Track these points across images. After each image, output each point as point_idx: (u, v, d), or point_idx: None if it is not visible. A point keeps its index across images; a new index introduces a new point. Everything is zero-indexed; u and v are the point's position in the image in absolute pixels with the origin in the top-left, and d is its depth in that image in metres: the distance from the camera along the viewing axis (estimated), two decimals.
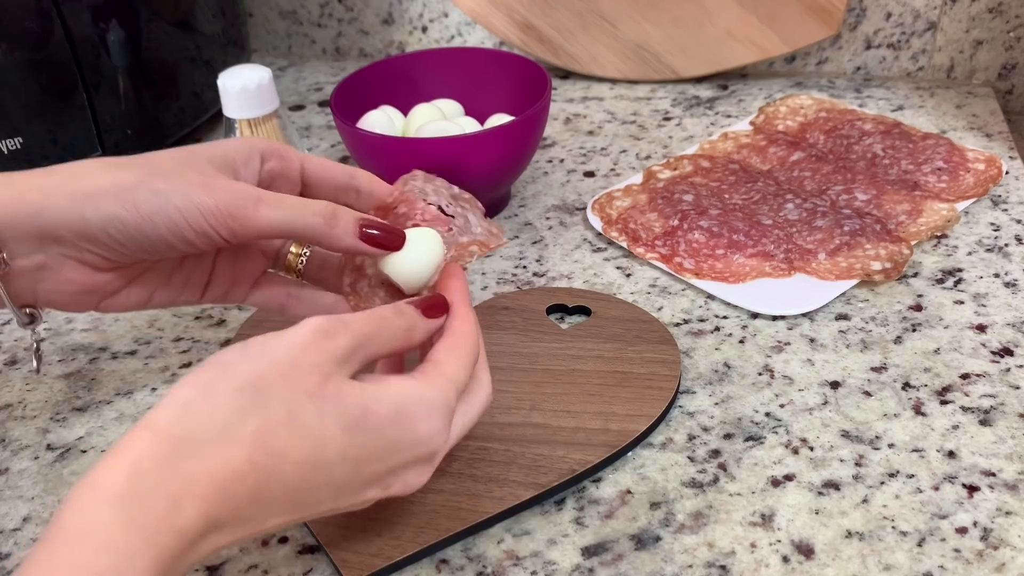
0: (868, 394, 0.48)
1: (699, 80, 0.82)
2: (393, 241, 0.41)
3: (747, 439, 0.46)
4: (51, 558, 0.28)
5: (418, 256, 0.42)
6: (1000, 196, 0.63)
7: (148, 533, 0.29)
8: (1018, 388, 0.48)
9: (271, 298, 0.47)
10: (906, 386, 0.48)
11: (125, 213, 0.39)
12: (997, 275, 0.56)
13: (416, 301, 0.40)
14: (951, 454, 0.44)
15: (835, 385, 0.49)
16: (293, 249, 0.47)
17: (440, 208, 0.44)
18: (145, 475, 0.30)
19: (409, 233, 0.42)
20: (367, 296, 0.44)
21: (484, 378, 0.40)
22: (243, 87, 0.61)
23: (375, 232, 0.41)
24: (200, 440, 0.31)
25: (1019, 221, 0.61)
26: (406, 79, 0.68)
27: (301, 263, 0.47)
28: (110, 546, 0.28)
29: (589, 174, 0.70)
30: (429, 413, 0.36)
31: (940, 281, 0.56)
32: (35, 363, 0.47)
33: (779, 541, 0.41)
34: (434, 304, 0.40)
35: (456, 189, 0.47)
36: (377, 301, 0.43)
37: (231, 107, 0.62)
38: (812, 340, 0.52)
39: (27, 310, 0.43)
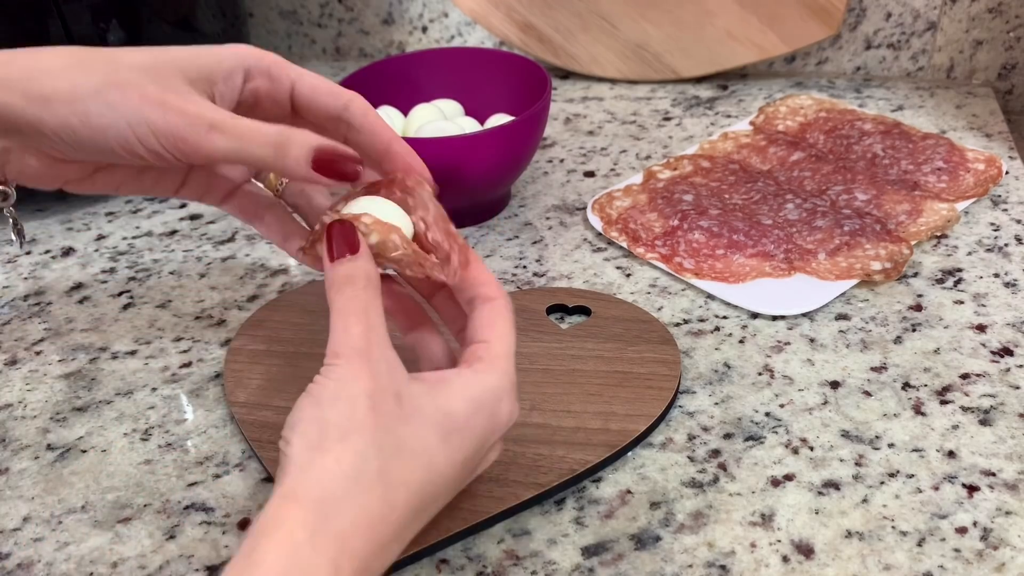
0: (868, 394, 0.48)
1: (699, 80, 0.82)
2: (348, 167, 0.39)
3: (747, 439, 0.46)
4: None
5: (384, 215, 0.39)
6: (1000, 196, 0.63)
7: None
8: (1018, 388, 0.48)
9: (243, 210, 0.46)
10: (906, 386, 0.48)
11: (76, 122, 0.37)
12: (997, 275, 0.56)
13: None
14: (951, 454, 0.44)
15: (835, 385, 0.49)
16: (272, 177, 0.47)
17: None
18: (303, 547, 0.31)
19: (378, 199, 0.40)
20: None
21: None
22: None
23: (328, 159, 0.38)
24: (337, 498, 0.32)
25: (1019, 221, 0.61)
26: (406, 79, 0.68)
27: (281, 184, 0.46)
28: None
29: (589, 174, 0.70)
30: (501, 400, 0.38)
31: (940, 281, 0.56)
32: (15, 238, 0.45)
33: (779, 541, 0.41)
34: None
35: (451, 228, 0.42)
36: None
37: None
38: (812, 340, 0.52)
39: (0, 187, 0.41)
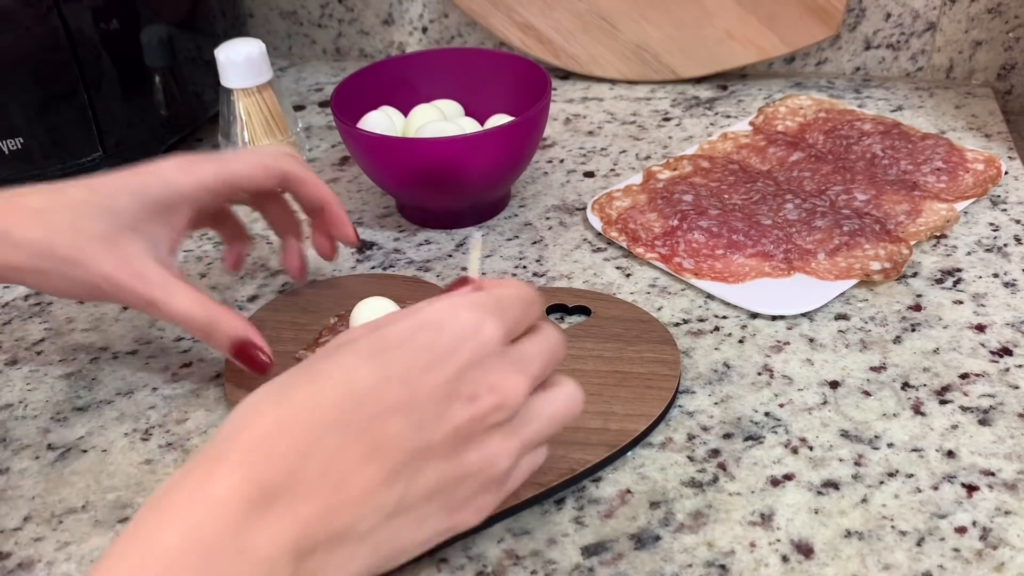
0: (867, 394, 0.48)
1: (699, 80, 0.82)
2: (258, 360, 0.47)
3: (747, 439, 0.46)
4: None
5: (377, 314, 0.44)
6: (999, 196, 0.63)
7: (176, 507, 0.28)
8: (1017, 388, 0.48)
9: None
10: (905, 386, 0.48)
11: (44, 287, 0.45)
12: (996, 275, 0.56)
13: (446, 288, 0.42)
14: (950, 454, 0.44)
15: (834, 385, 0.49)
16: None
17: None
18: (179, 472, 0.30)
19: (365, 302, 0.49)
20: None
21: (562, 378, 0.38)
22: (238, 59, 0.66)
23: (243, 350, 0.46)
24: (224, 429, 0.31)
25: (1018, 221, 0.61)
26: (406, 79, 0.68)
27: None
28: (137, 524, 0.28)
29: (589, 174, 0.70)
30: (455, 311, 0.33)
31: (939, 281, 0.56)
32: None
33: (778, 540, 0.41)
34: (458, 282, 0.38)
35: None
36: None
37: (228, 78, 0.67)
38: (811, 340, 0.52)
39: None
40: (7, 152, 0.64)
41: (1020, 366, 0.49)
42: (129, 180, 0.45)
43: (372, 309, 0.50)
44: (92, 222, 0.44)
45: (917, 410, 0.47)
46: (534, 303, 0.37)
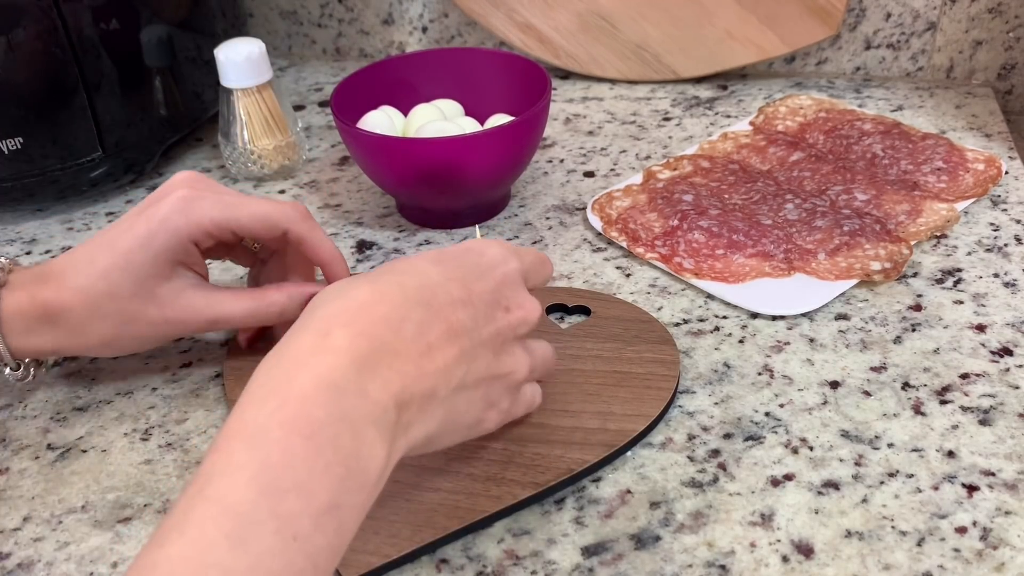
0: (868, 394, 0.48)
1: (699, 80, 0.82)
2: None
3: (747, 439, 0.46)
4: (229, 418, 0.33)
5: None
6: (999, 196, 0.63)
7: (302, 359, 0.33)
8: (1017, 388, 0.48)
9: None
10: (906, 386, 0.48)
11: (122, 352, 0.50)
12: (996, 275, 0.56)
13: None
14: (951, 454, 0.44)
15: (835, 385, 0.49)
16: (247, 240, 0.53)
17: None
18: (288, 337, 0.35)
19: None
20: None
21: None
22: (238, 58, 0.66)
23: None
24: (323, 301, 0.36)
25: (1018, 221, 0.61)
26: (406, 79, 0.68)
27: (256, 248, 0.54)
28: (268, 379, 0.33)
29: (589, 174, 0.70)
30: (488, 244, 0.42)
31: (940, 281, 0.56)
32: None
33: (779, 541, 0.41)
34: None
35: None
36: None
37: (228, 78, 0.67)
38: (812, 340, 0.52)
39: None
40: (7, 152, 0.64)
41: (1020, 366, 0.49)
42: (137, 230, 0.46)
43: None
44: (123, 287, 0.46)
45: (917, 410, 0.47)
46: (545, 263, 0.45)
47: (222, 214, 0.47)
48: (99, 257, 0.47)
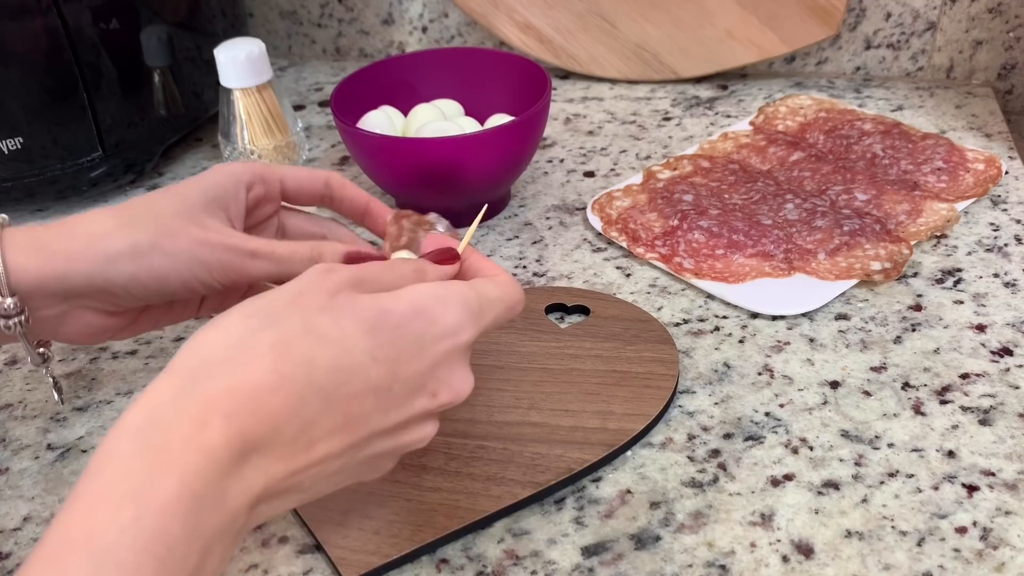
0: (868, 394, 0.48)
1: (699, 80, 0.82)
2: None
3: (747, 439, 0.46)
4: (74, 493, 0.28)
5: None
6: (1000, 196, 0.63)
7: (171, 455, 0.29)
8: (1018, 388, 0.48)
9: (258, 289, 0.50)
10: (906, 386, 0.48)
11: (143, 274, 0.42)
12: (997, 275, 0.56)
13: (427, 255, 0.42)
14: (951, 454, 0.44)
15: (835, 385, 0.49)
16: None
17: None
18: (164, 406, 0.30)
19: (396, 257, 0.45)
20: None
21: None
22: (238, 58, 0.66)
23: (354, 260, 0.43)
24: (215, 363, 0.31)
25: (1019, 221, 0.61)
26: (406, 79, 0.68)
27: None
28: (129, 472, 0.28)
29: (589, 174, 0.70)
30: (446, 306, 0.36)
31: (940, 281, 0.56)
32: (56, 396, 0.49)
33: (779, 541, 0.41)
34: (444, 256, 0.41)
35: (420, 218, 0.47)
36: None
37: (228, 78, 0.67)
38: (812, 340, 0.52)
39: (40, 349, 0.45)
40: (7, 152, 0.64)
41: (1020, 366, 0.49)
42: (191, 179, 0.45)
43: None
44: (165, 206, 0.43)
45: (917, 410, 0.47)
46: (516, 306, 0.40)
47: (272, 166, 0.48)
48: (140, 199, 0.44)
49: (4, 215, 0.43)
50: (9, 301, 0.41)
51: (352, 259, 0.44)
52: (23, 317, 0.42)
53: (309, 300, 0.34)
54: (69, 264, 0.41)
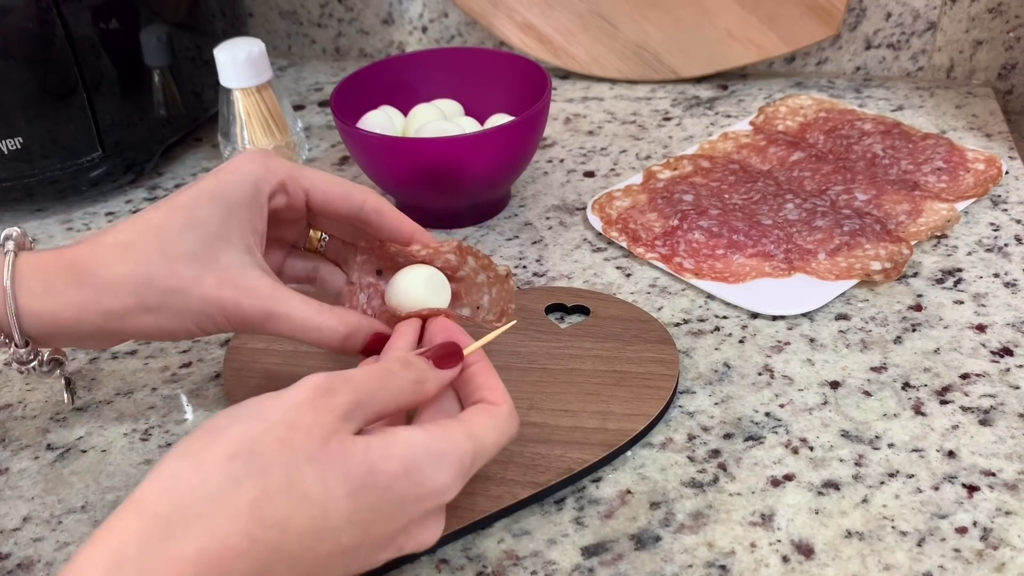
0: (868, 394, 0.48)
1: (699, 80, 0.82)
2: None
3: (747, 439, 0.46)
4: None
5: (413, 288, 0.43)
6: (1000, 196, 0.63)
7: None
8: (1018, 388, 0.48)
9: (296, 276, 0.48)
10: (906, 386, 0.48)
11: (151, 329, 0.41)
12: (997, 275, 0.56)
13: (428, 351, 0.38)
14: (951, 454, 0.44)
15: (835, 385, 0.49)
16: (312, 234, 0.48)
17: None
18: (128, 563, 0.28)
19: (414, 268, 0.44)
20: (360, 294, 0.46)
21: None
22: (238, 58, 0.66)
23: (375, 348, 0.42)
24: (188, 517, 0.29)
25: (1019, 221, 0.61)
26: (406, 79, 0.68)
27: (322, 246, 0.48)
28: None
29: (589, 174, 0.70)
30: (439, 466, 0.34)
31: (940, 281, 0.56)
32: (67, 396, 0.48)
33: (779, 541, 0.41)
34: (446, 353, 0.38)
35: (487, 262, 0.46)
36: (363, 299, 0.45)
37: (228, 78, 0.67)
38: (812, 340, 0.52)
39: (54, 356, 0.44)
40: (7, 152, 0.64)
41: (1021, 366, 0.49)
42: (206, 186, 0.41)
43: (410, 283, 0.44)
44: (180, 243, 0.40)
45: (918, 410, 0.47)
46: (508, 442, 0.38)
47: (299, 171, 0.43)
48: (153, 213, 0.41)
49: (18, 228, 0.42)
50: (23, 351, 0.41)
51: (376, 342, 0.42)
52: (37, 362, 0.42)
53: (300, 442, 0.31)
54: (80, 315, 0.40)
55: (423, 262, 0.45)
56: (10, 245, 0.41)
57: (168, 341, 0.44)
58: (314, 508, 0.31)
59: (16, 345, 0.41)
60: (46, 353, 0.43)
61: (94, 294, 0.40)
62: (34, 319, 0.40)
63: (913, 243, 0.58)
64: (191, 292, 0.40)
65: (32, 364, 0.42)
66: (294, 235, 0.47)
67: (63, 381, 0.48)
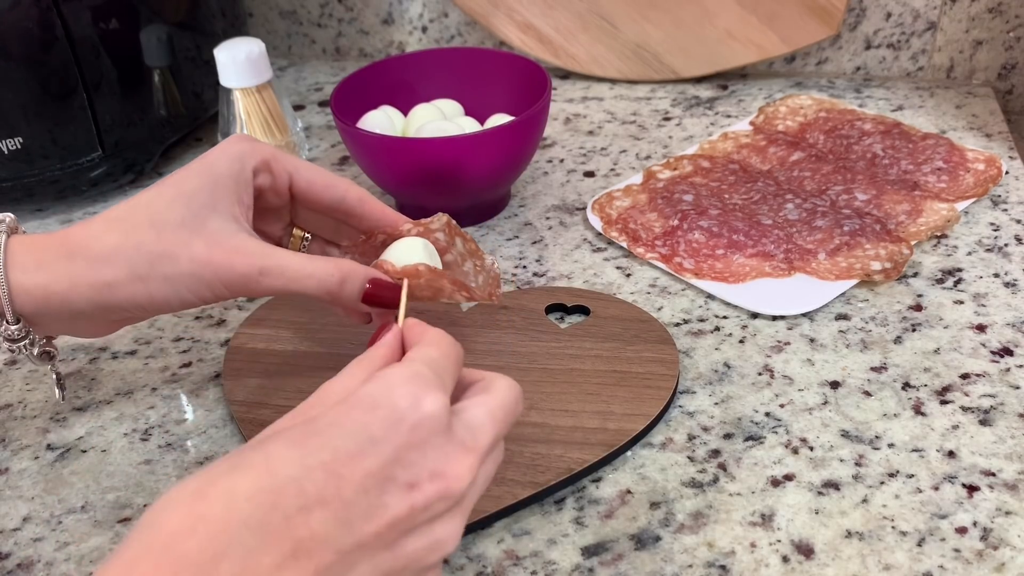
0: (868, 394, 0.48)
1: (699, 80, 0.82)
2: (392, 301, 0.42)
3: (747, 439, 0.46)
4: None
5: (410, 250, 0.44)
6: (1000, 196, 0.63)
7: None
8: (1018, 388, 0.48)
9: None
10: (906, 386, 0.48)
11: (142, 298, 0.41)
12: (997, 275, 0.56)
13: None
14: (951, 454, 0.44)
15: (835, 385, 0.49)
16: (296, 233, 0.49)
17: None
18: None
19: (407, 240, 0.45)
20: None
21: (492, 376, 0.35)
22: (237, 58, 0.66)
23: (377, 294, 0.42)
24: (139, 523, 0.27)
25: (1019, 221, 0.61)
26: (406, 79, 0.68)
27: (305, 246, 0.49)
28: None
29: (589, 174, 0.70)
30: (387, 387, 0.30)
31: (940, 281, 0.56)
32: (58, 392, 0.48)
33: (779, 541, 0.41)
34: (382, 327, 0.37)
35: (474, 248, 0.48)
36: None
37: (227, 78, 0.67)
38: (812, 340, 0.52)
39: (46, 349, 0.44)
40: (7, 152, 0.64)
41: (1021, 366, 0.49)
42: (193, 164, 0.42)
43: (408, 247, 0.44)
44: (169, 212, 0.41)
45: (918, 410, 0.47)
46: (460, 359, 0.35)
47: (283, 154, 0.44)
48: (143, 193, 0.42)
49: (11, 215, 0.42)
50: (14, 328, 0.41)
51: (376, 286, 0.42)
52: (28, 341, 0.42)
53: (242, 447, 0.30)
54: (71, 288, 0.40)
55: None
56: (1, 227, 0.41)
57: (164, 314, 0.44)
58: (255, 469, 0.28)
59: (7, 322, 0.41)
60: (38, 337, 0.43)
61: (85, 265, 0.40)
62: (26, 295, 0.40)
63: (913, 243, 0.58)
64: (180, 255, 0.40)
65: (23, 343, 0.42)
66: (278, 231, 0.48)
67: (54, 376, 0.48)
